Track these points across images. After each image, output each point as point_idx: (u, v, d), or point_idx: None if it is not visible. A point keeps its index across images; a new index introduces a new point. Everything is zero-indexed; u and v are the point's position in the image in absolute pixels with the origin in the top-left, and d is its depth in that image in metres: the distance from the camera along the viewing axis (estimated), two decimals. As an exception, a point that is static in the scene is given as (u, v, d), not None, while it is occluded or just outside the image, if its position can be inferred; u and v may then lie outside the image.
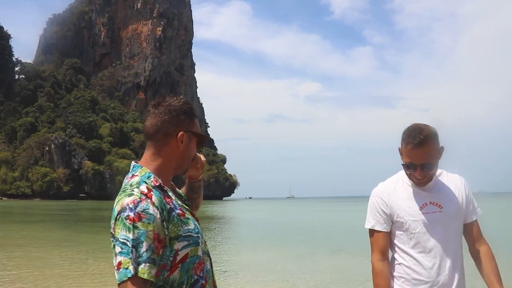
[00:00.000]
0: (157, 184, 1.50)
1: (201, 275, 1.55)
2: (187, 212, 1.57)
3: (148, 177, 1.50)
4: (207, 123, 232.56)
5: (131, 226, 1.35)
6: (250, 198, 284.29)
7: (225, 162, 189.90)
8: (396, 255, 2.22)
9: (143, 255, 1.34)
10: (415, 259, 2.15)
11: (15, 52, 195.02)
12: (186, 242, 1.48)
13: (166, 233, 1.44)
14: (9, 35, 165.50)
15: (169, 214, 1.46)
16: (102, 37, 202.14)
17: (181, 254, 1.48)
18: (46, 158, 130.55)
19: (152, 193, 1.44)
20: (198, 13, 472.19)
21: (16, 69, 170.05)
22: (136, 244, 1.34)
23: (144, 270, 1.33)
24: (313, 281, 10.01)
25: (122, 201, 1.41)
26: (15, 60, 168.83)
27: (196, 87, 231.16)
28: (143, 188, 1.44)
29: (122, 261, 1.34)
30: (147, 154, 1.59)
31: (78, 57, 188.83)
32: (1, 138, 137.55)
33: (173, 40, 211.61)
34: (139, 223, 1.35)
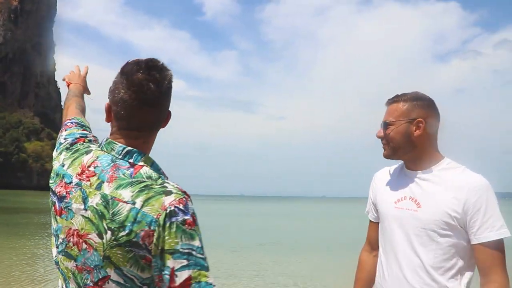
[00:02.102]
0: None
1: None
2: None
3: (159, 170, 1.27)
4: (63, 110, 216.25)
5: (193, 232, 1.12)
6: None
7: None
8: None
9: (207, 262, 1.13)
10: (381, 261, 1.89)
11: None
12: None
13: None
14: None
15: None
16: None
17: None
18: None
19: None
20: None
21: None
22: (203, 252, 1.13)
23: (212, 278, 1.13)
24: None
25: (160, 201, 1.13)
26: None
27: (55, 70, 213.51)
28: (174, 184, 1.22)
29: (193, 275, 1.09)
30: (142, 137, 1.31)
31: None
32: None
33: (32, 14, 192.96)
34: (196, 227, 1.15)
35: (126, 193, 1.15)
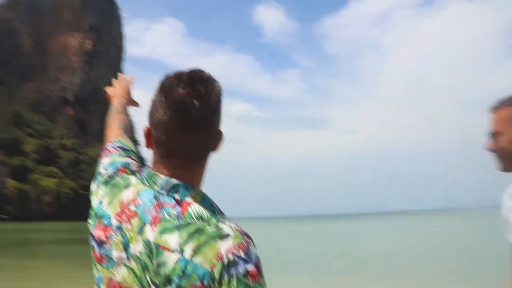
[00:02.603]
0: (222, 211, 1.02)
1: None
2: None
3: (211, 204, 1.01)
4: (138, 141, 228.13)
5: (257, 286, 0.89)
6: None
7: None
8: None
9: None
10: None
11: None
12: None
13: None
14: None
15: None
16: (27, 47, 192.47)
17: None
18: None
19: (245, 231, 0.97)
20: (130, 29, 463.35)
21: None
22: None
23: None
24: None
25: (214, 248, 0.90)
26: None
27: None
28: (232, 224, 0.96)
29: None
30: (189, 169, 1.05)
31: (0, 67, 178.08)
32: None
33: (103, 55, 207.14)
34: (261, 279, 0.91)
35: (172, 239, 0.93)
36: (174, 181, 1.00)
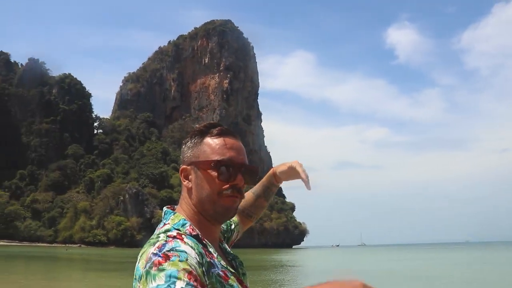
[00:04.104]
0: (194, 233, 1.16)
1: None
2: (232, 277, 1.17)
3: (183, 225, 1.17)
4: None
5: (156, 272, 1.00)
6: (338, 246, 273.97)
7: (294, 210, 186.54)
8: None
9: None
10: None
11: (94, 109, 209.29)
12: None
13: (207, 284, 1.06)
14: (90, 94, 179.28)
15: (208, 268, 1.11)
16: (172, 91, 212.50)
17: None
18: (120, 208, 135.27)
19: (183, 236, 1.12)
20: (264, 65, 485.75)
21: (95, 124, 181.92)
22: None
23: None
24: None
25: (147, 253, 1.07)
26: (94, 116, 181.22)
27: (263, 136, 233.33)
28: (172, 233, 1.12)
29: None
30: (180, 200, 1.29)
31: (150, 111, 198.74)
32: (81, 189, 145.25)
33: (240, 91, 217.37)
34: (165, 263, 1.01)
35: (138, 255, 1.10)
36: (166, 208, 1.25)
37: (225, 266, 1.18)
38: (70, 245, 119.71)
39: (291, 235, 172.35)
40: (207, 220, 1.23)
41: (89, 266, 37.19)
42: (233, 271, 1.20)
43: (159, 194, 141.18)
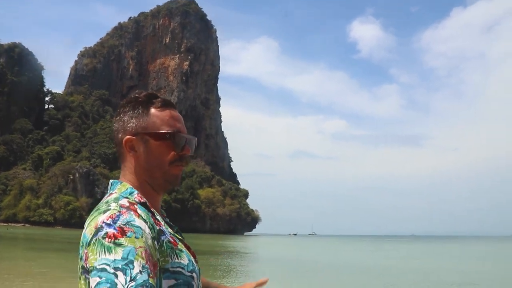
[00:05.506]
0: (143, 200, 1.18)
1: None
2: (180, 243, 1.21)
3: (131, 193, 1.19)
4: (231, 157, 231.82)
5: (111, 245, 1.00)
6: (295, 234, 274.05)
7: (247, 197, 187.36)
8: None
9: (137, 278, 0.96)
10: None
11: (46, 82, 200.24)
12: (173, 281, 1.11)
13: (158, 257, 1.09)
14: (42, 66, 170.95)
15: (158, 235, 1.13)
16: (130, 70, 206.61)
17: None
18: (70, 187, 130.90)
19: (136, 206, 1.12)
20: (226, 49, 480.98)
21: (47, 99, 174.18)
22: (122, 267, 0.96)
23: None
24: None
25: (96, 220, 1.06)
26: (46, 90, 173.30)
27: (221, 121, 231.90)
28: (123, 202, 1.12)
29: None
30: (122, 171, 1.28)
31: (106, 88, 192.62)
32: (28, 166, 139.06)
33: (200, 74, 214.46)
34: (122, 238, 1.01)
35: (86, 223, 1.11)
36: (111, 180, 1.25)
37: (173, 233, 1.21)
38: (13, 224, 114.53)
39: (243, 222, 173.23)
40: (153, 190, 1.25)
41: (34, 246, 35.53)
42: (180, 237, 1.24)
43: (111, 175, 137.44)
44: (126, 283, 0.94)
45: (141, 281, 0.95)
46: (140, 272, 0.96)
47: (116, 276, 0.95)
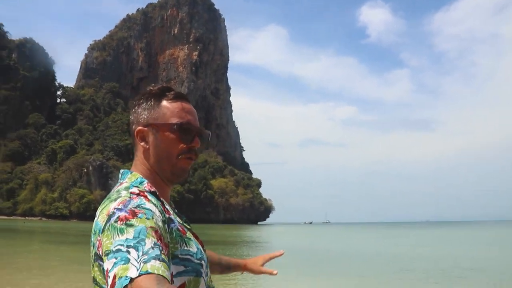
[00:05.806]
0: (152, 190, 1.21)
1: None
2: (188, 232, 1.23)
3: (141, 183, 1.21)
4: (242, 147, 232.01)
5: (123, 227, 1.02)
6: (311, 223, 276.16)
7: (260, 186, 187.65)
8: None
9: (149, 252, 0.98)
10: None
11: (57, 77, 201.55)
12: (182, 267, 1.13)
13: (169, 240, 1.12)
14: (53, 60, 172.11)
15: (168, 223, 1.15)
16: (140, 61, 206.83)
17: (176, 283, 1.11)
18: (84, 180, 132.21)
19: (146, 194, 1.16)
20: (234, 38, 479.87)
21: (58, 93, 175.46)
22: (134, 244, 0.99)
23: (156, 267, 0.96)
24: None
25: (108, 208, 1.09)
26: (57, 84, 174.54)
27: (231, 111, 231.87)
28: (134, 190, 1.15)
29: (117, 272, 0.96)
30: (134, 161, 1.31)
31: (116, 81, 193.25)
32: (42, 160, 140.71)
33: (209, 64, 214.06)
34: (133, 219, 1.04)
35: (97, 211, 1.14)
36: (121, 170, 1.27)
37: (181, 222, 1.24)
38: (30, 218, 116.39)
39: (256, 211, 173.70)
40: (162, 181, 1.26)
41: (50, 239, 36.01)
42: (188, 227, 1.27)
43: (123, 167, 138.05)
44: (138, 258, 0.96)
45: (154, 255, 0.97)
46: (152, 247, 0.98)
47: (129, 252, 0.97)
